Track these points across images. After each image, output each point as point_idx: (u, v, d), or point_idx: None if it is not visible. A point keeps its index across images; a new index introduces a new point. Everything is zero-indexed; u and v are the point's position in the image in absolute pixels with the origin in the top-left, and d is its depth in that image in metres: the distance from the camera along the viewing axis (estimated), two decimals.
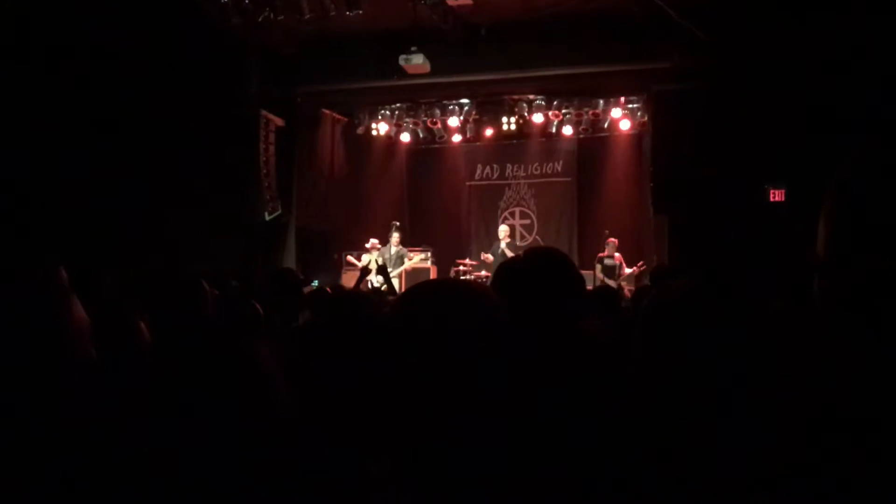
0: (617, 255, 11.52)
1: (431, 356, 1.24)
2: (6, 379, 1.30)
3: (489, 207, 14.67)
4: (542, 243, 12.75)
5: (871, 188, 1.06)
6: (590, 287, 10.48)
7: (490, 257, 11.69)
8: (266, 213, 11.32)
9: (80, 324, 1.40)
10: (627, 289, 10.28)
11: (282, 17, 9.31)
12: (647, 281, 9.78)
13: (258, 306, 3.26)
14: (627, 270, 11.39)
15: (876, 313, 1.03)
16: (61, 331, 1.35)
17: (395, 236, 11.73)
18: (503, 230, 11.98)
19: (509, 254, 11.43)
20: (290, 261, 12.00)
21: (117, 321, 2.19)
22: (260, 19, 9.30)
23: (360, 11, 9.22)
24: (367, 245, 11.64)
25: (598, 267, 11.38)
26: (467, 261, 12.39)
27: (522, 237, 14.38)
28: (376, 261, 11.23)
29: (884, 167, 1.07)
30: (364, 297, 2.78)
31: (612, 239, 11.65)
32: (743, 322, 1.41)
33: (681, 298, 1.46)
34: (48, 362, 1.33)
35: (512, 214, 14.60)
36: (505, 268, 2.08)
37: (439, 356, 1.24)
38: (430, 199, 14.83)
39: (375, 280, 10.97)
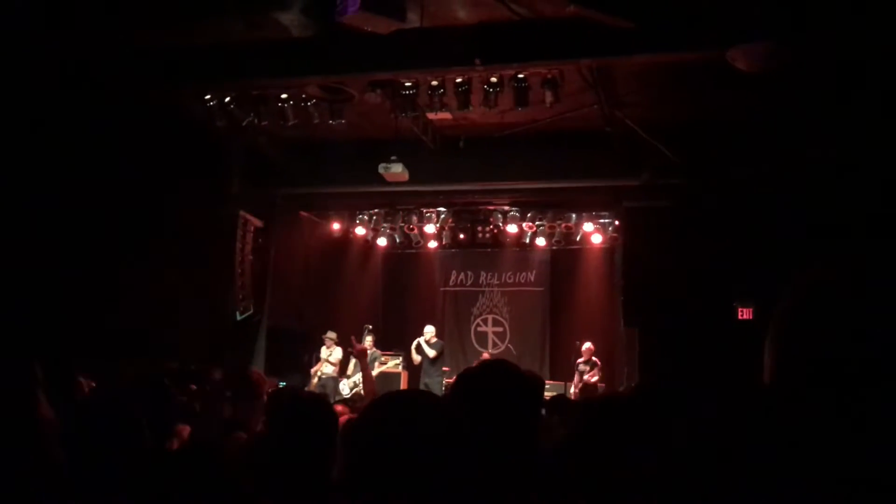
0: (594, 358, 11.66)
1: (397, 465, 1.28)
2: None
3: (463, 313, 14.72)
4: (513, 351, 12.80)
5: (812, 319, 1.09)
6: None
7: (418, 357, 12.11)
8: (238, 313, 11.28)
9: (47, 423, 1.40)
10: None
11: (266, 122, 9.55)
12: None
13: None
14: (590, 378, 11.49)
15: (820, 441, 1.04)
16: (27, 433, 1.36)
17: (368, 339, 11.75)
18: (429, 330, 12.34)
19: (430, 351, 11.66)
20: (259, 360, 11.87)
21: (88, 420, 2.17)
22: (244, 123, 9.52)
23: (343, 121, 9.50)
24: (327, 336, 11.66)
25: (577, 377, 11.57)
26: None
27: (495, 344, 14.38)
28: (328, 360, 11.35)
29: (826, 297, 1.09)
30: (321, 402, 2.79)
31: (589, 346, 11.81)
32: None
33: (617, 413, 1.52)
34: (15, 464, 1.33)
35: (485, 321, 14.66)
36: (465, 377, 2.11)
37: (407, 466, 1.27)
38: (404, 303, 14.87)
39: (344, 385, 10.97)
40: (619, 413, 1.56)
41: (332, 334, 11.66)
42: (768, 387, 1.13)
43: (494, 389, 1.92)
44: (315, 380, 11.57)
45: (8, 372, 1.46)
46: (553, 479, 1.73)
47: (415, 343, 12.23)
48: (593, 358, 11.74)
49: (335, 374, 11.55)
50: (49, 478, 1.38)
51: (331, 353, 11.69)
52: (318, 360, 12.03)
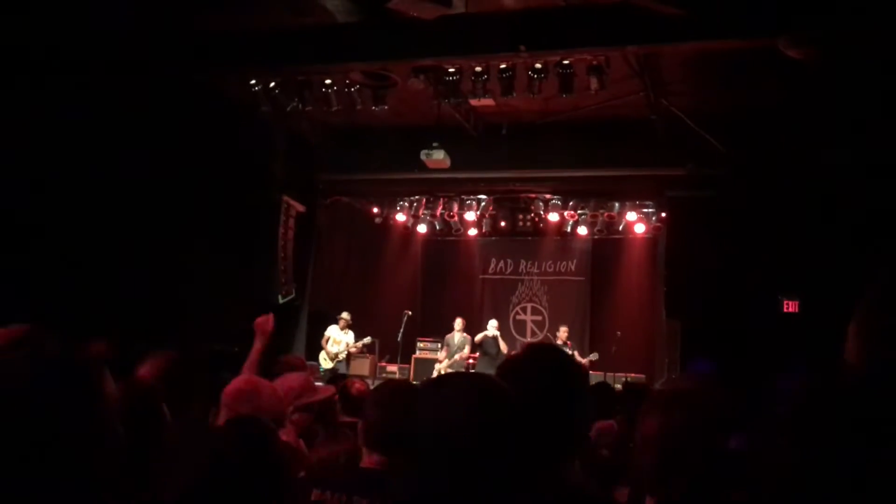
0: (569, 342, 11.84)
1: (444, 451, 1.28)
2: (36, 446, 1.32)
3: (501, 301, 14.70)
4: (552, 341, 12.73)
5: None
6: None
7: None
8: (280, 296, 11.40)
9: (111, 399, 1.43)
10: None
11: (310, 107, 9.60)
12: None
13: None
14: (579, 360, 11.40)
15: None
16: (93, 404, 1.38)
17: (459, 323, 11.97)
18: (493, 324, 12.14)
19: (504, 346, 11.54)
20: (300, 344, 12.00)
21: (145, 402, 2.21)
22: (288, 108, 9.59)
23: (386, 107, 9.51)
24: (342, 316, 11.56)
25: None
26: (476, 353, 12.34)
27: (533, 333, 14.35)
28: (348, 344, 11.25)
29: None
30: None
31: (564, 327, 11.83)
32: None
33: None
34: (78, 432, 1.35)
35: (524, 310, 14.62)
36: (508, 365, 2.08)
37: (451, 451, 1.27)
38: (443, 290, 14.90)
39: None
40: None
41: (346, 315, 11.61)
42: (854, 371, 1.11)
43: (539, 374, 1.89)
44: (330, 363, 11.34)
45: (79, 348, 1.50)
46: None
47: (486, 336, 11.93)
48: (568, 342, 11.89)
49: (343, 359, 11.48)
50: (112, 449, 1.41)
51: (345, 334, 11.54)
52: (326, 339, 11.62)
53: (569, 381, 1.80)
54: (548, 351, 1.95)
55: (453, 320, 13.01)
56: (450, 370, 11.62)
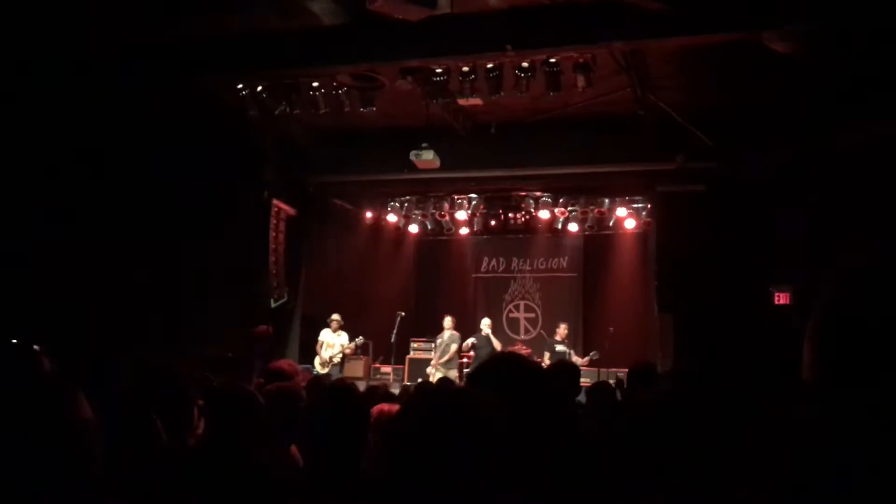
0: (566, 340, 11.81)
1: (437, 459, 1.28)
2: (7, 479, 1.31)
3: (494, 300, 14.71)
4: (546, 337, 12.75)
5: (856, 310, 1.07)
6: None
7: (472, 353, 11.76)
8: (272, 300, 11.38)
9: (86, 423, 1.42)
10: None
11: (298, 110, 9.59)
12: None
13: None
14: (577, 359, 11.40)
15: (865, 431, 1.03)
16: (65, 431, 1.37)
17: (448, 321, 11.93)
18: (486, 322, 12.06)
19: (497, 344, 11.50)
20: (293, 347, 11.99)
21: (132, 417, 2.20)
22: (276, 112, 9.58)
23: (374, 108, 9.51)
24: (333, 318, 11.47)
25: (547, 354, 11.44)
26: (472, 352, 12.32)
27: (527, 331, 14.37)
28: (342, 346, 11.18)
29: (869, 289, 1.07)
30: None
31: (564, 324, 11.86)
32: (711, 429, 1.45)
33: (654, 405, 1.51)
34: (51, 463, 1.35)
35: (517, 307, 14.64)
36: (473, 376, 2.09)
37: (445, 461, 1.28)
38: (436, 290, 14.89)
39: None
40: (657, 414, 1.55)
41: (336, 316, 11.56)
42: (807, 384, 1.12)
43: (505, 384, 1.92)
44: (325, 369, 11.23)
45: (42, 374, 1.49)
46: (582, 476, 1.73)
47: (480, 338, 11.84)
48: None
49: (339, 361, 11.39)
50: (88, 477, 1.40)
51: (338, 336, 11.46)
52: (320, 344, 11.51)
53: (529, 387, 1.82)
54: (507, 360, 1.98)
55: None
56: (442, 368, 11.62)
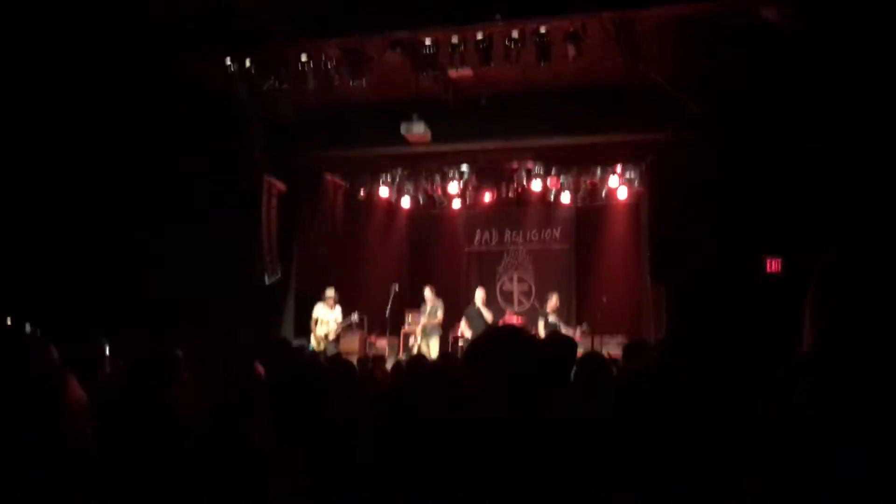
0: (557, 312, 11.86)
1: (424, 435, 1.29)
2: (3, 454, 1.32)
3: (487, 272, 14.73)
4: (539, 309, 12.79)
5: (855, 281, 1.07)
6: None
7: (467, 330, 11.81)
8: (266, 277, 11.36)
9: (76, 404, 1.42)
10: None
11: (286, 85, 9.51)
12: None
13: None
14: (568, 331, 11.42)
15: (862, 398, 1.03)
16: (56, 412, 1.37)
17: (428, 292, 11.96)
18: (479, 293, 12.04)
19: (488, 316, 11.53)
20: (288, 324, 12.00)
21: (121, 395, 2.20)
22: (265, 88, 9.49)
23: (363, 82, 9.43)
24: (328, 294, 11.47)
25: (542, 322, 11.47)
26: (463, 323, 12.34)
27: (520, 302, 14.41)
28: (337, 321, 11.22)
29: (867, 261, 1.07)
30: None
31: (555, 295, 11.92)
32: (701, 398, 1.46)
33: (646, 377, 1.52)
34: (42, 441, 1.35)
35: (510, 280, 14.66)
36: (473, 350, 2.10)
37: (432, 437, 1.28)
38: (429, 264, 14.88)
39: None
40: (650, 385, 1.55)
41: (331, 292, 11.56)
42: (806, 354, 1.11)
43: (509, 356, 1.93)
44: (321, 345, 11.24)
45: (35, 357, 1.49)
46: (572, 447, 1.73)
47: (472, 310, 11.89)
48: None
49: (334, 337, 11.43)
50: (77, 457, 1.41)
51: (333, 312, 11.47)
52: (315, 320, 11.51)
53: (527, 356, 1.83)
54: (505, 336, 1.99)
55: (442, 294, 13.03)
56: (424, 335, 11.70)
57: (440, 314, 11.81)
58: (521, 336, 2.00)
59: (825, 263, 1.11)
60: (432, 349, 11.63)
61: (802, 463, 1.09)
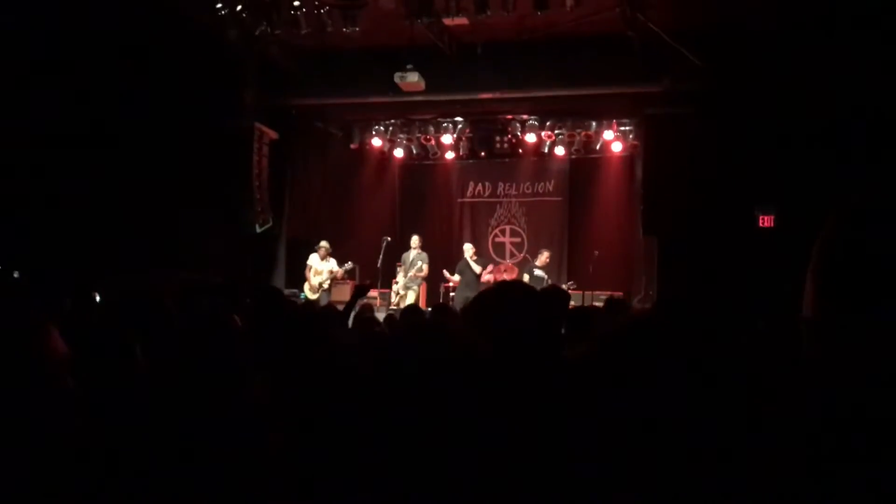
0: (546, 267, 11.82)
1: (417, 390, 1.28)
2: None
3: (480, 224, 14.72)
4: (531, 261, 12.83)
5: (858, 246, 1.04)
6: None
7: (457, 277, 11.82)
8: (257, 225, 11.32)
9: (57, 355, 1.41)
10: None
11: (279, 30, 9.35)
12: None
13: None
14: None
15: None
16: (35, 362, 1.37)
17: (416, 240, 12.00)
18: (468, 248, 12.05)
19: (476, 268, 11.54)
20: (279, 272, 12.00)
21: (108, 347, 2.18)
22: (257, 32, 9.34)
23: (357, 28, 9.28)
24: (321, 245, 11.39)
25: (527, 277, 11.48)
26: (456, 277, 12.37)
27: (512, 255, 14.43)
28: (330, 271, 11.20)
29: (871, 225, 1.05)
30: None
31: (547, 252, 11.89)
32: (694, 349, 1.46)
33: (637, 330, 1.51)
34: (22, 390, 1.35)
35: (503, 232, 14.66)
36: (484, 298, 2.11)
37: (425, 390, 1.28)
38: (422, 215, 14.84)
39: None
40: (647, 335, 1.55)
41: (325, 244, 11.51)
42: (809, 317, 1.10)
43: (511, 311, 1.93)
44: (315, 295, 11.23)
45: (15, 311, 1.47)
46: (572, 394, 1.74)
47: (461, 263, 11.91)
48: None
49: (328, 287, 11.41)
50: (58, 407, 1.40)
51: (326, 263, 11.43)
52: (309, 268, 11.42)
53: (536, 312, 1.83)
54: (515, 287, 2.00)
55: (434, 245, 13.02)
56: (406, 287, 11.71)
57: (425, 268, 11.78)
58: (525, 291, 1.99)
59: (827, 229, 1.09)
60: (408, 301, 11.62)
61: (811, 438, 1.08)
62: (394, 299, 11.94)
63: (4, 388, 1.34)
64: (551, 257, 12.43)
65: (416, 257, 11.88)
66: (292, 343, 2.92)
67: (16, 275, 7.76)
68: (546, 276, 11.58)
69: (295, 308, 4.49)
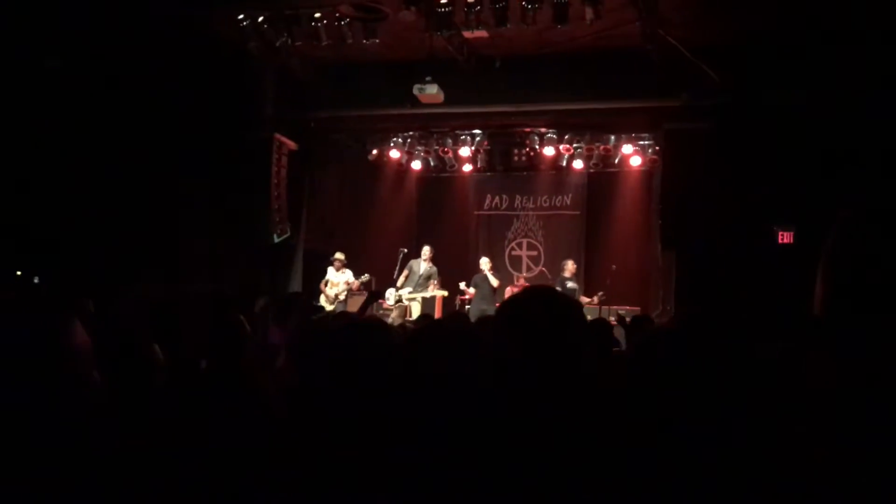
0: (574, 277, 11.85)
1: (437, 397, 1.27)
2: (7, 397, 1.32)
3: (497, 237, 14.69)
4: (548, 275, 12.80)
5: (864, 249, 1.05)
6: None
7: (472, 290, 11.78)
8: (275, 235, 11.36)
9: (81, 347, 1.42)
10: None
11: (299, 42, 9.41)
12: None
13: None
14: (584, 298, 11.43)
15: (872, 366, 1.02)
16: (60, 353, 1.37)
17: (427, 251, 12.00)
18: (485, 261, 12.02)
19: (494, 281, 11.51)
20: (296, 283, 12.03)
21: (129, 344, 2.20)
22: (277, 44, 9.40)
23: (377, 40, 9.32)
24: (336, 258, 11.47)
25: (559, 289, 11.39)
26: (472, 290, 12.34)
27: (529, 268, 14.39)
28: (347, 283, 11.23)
29: (877, 228, 1.06)
30: (372, 326, 2.78)
31: (572, 262, 11.91)
32: (716, 368, 1.45)
33: (661, 345, 1.50)
34: (47, 383, 1.35)
35: (519, 245, 14.63)
36: (512, 306, 2.07)
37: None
38: (438, 227, 14.85)
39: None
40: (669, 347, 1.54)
41: (340, 255, 11.55)
42: (820, 316, 1.10)
43: (541, 316, 1.90)
44: (332, 306, 11.30)
45: (43, 306, 1.48)
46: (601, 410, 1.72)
47: (477, 277, 11.89)
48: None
49: (343, 298, 11.44)
50: (85, 401, 1.41)
51: (343, 274, 11.47)
52: (325, 282, 11.53)
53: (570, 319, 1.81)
54: (546, 292, 1.96)
55: (450, 257, 13.02)
56: (411, 296, 11.67)
57: (431, 284, 11.74)
58: (561, 298, 1.96)
59: (836, 229, 1.09)
60: (414, 311, 11.60)
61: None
62: (390, 301, 11.91)
63: (32, 381, 1.35)
64: (575, 270, 12.38)
65: (426, 270, 11.86)
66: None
67: (36, 280, 7.84)
68: (577, 287, 11.53)
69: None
